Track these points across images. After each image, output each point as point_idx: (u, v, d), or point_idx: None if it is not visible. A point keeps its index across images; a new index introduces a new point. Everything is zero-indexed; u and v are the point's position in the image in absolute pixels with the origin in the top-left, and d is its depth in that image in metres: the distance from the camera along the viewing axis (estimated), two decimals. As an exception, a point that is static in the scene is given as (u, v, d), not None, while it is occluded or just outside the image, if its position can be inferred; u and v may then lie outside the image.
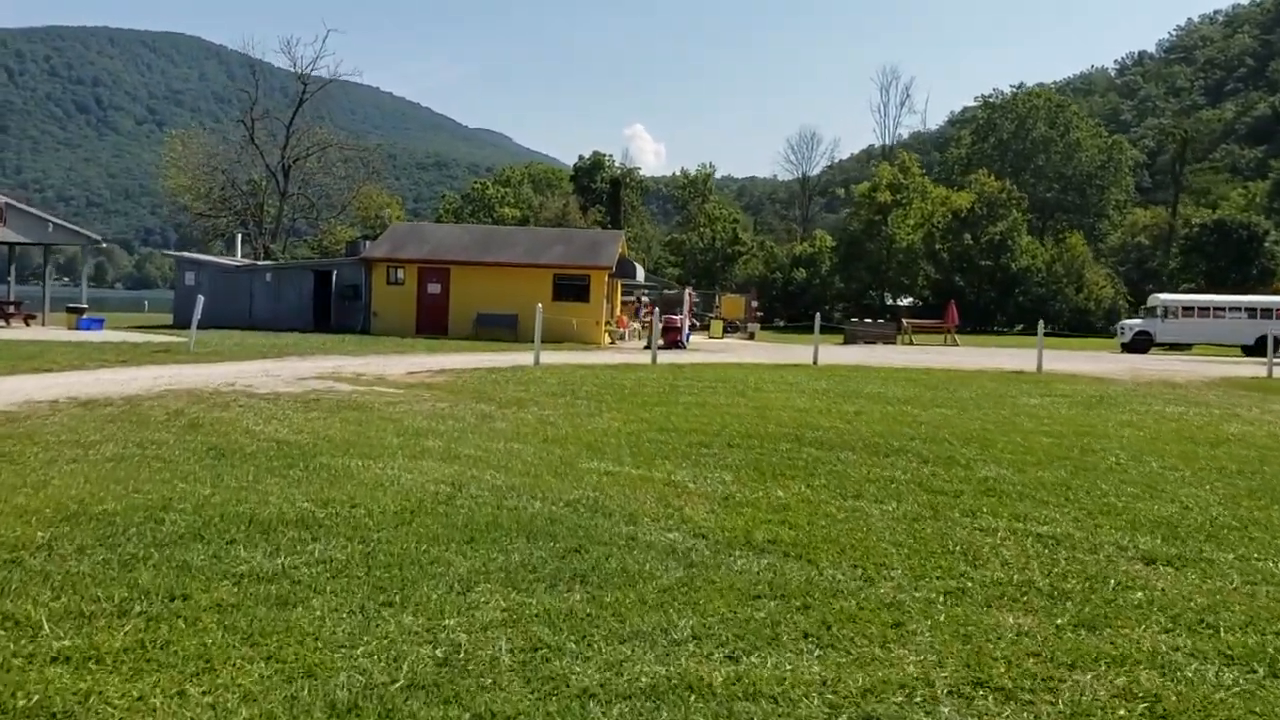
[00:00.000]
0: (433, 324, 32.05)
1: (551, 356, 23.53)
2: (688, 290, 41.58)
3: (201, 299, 23.30)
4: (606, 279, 32.25)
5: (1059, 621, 4.95)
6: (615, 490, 7.94)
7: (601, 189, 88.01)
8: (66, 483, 7.58)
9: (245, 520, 6.56)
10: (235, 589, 5.13)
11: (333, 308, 33.30)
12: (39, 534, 6.03)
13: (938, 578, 5.63)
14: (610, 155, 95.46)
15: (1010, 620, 4.94)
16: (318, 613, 4.79)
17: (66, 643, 4.31)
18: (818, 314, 26.30)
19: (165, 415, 11.51)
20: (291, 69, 55.00)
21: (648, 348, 29.98)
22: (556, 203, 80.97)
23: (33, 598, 4.87)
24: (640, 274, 37.47)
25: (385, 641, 4.44)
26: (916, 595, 5.28)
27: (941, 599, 5.25)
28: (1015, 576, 5.71)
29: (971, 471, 9.30)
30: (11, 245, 31.66)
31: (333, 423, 11.41)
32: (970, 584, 5.54)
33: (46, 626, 4.50)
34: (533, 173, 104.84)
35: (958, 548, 6.27)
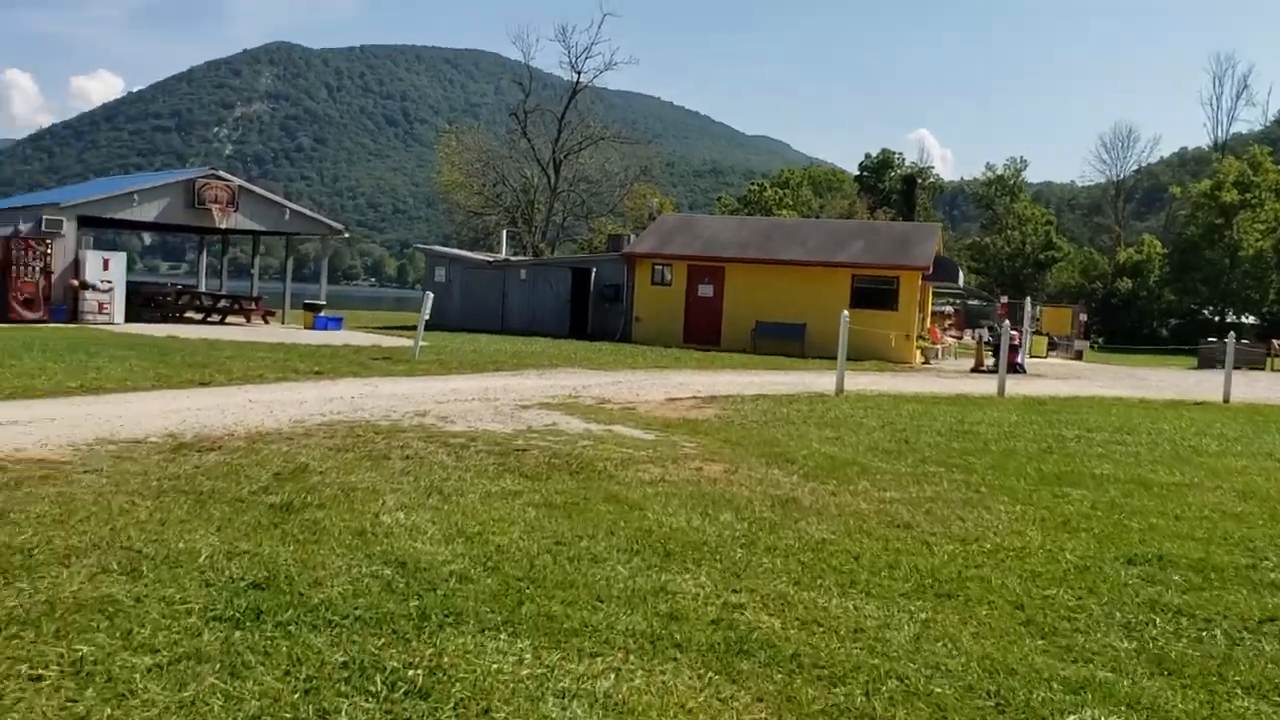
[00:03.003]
0: (703, 332, 27.14)
1: (855, 379, 17.97)
2: (1026, 301, 34.39)
3: (430, 296, 19.43)
4: (919, 282, 26.16)
5: None
6: None
7: (890, 188, 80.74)
8: None
9: None
10: None
11: (590, 310, 29.05)
12: None
13: None
14: (899, 153, 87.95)
15: None
16: None
17: None
18: (1231, 333, 19.21)
19: (268, 479, 7.00)
20: (565, 57, 52.28)
21: (978, 370, 23.82)
22: (840, 204, 74.67)
23: None
24: (961, 277, 31.00)
25: None
26: None
27: None
28: None
29: None
30: (255, 235, 29.55)
31: (524, 510, 6.51)
32: None
33: None
34: (812, 175, 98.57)
35: None
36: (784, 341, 25.87)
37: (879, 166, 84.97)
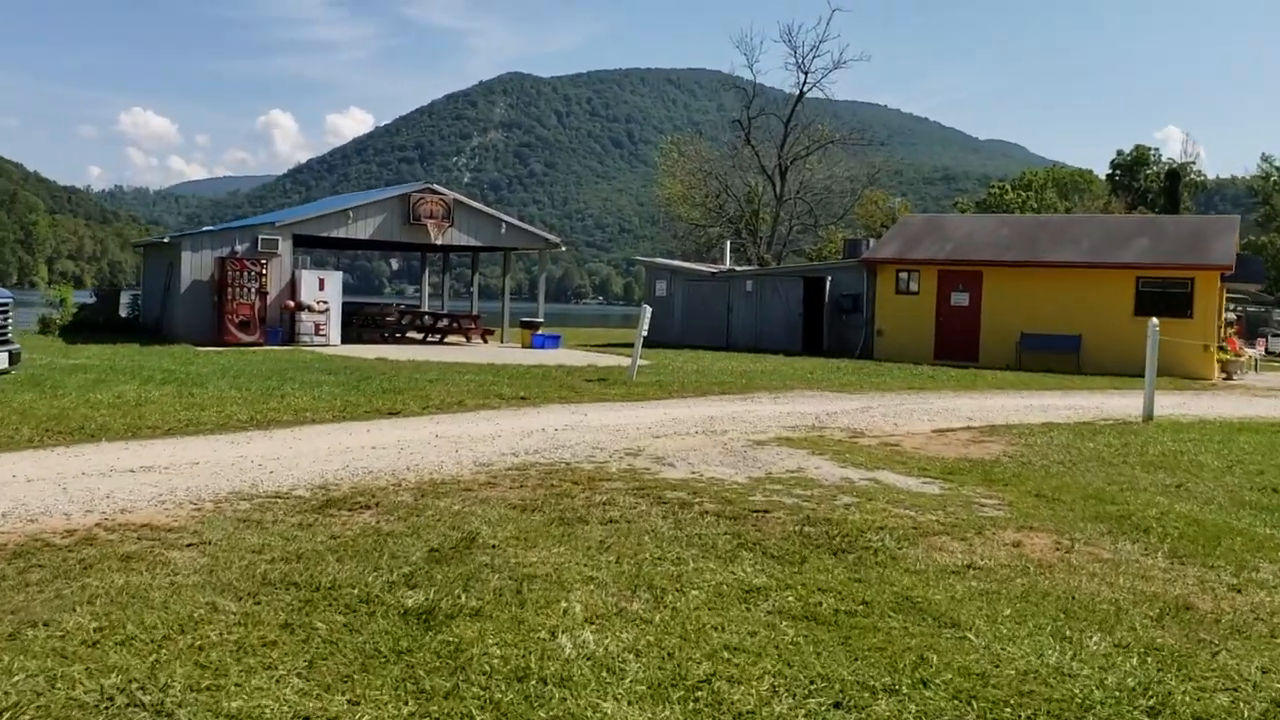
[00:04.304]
0: (957, 346, 23.99)
1: (1157, 401, 14.61)
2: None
3: (648, 310, 17.49)
4: (1218, 284, 22.11)
5: None
6: None
7: (1146, 187, 73.76)
8: None
9: None
10: None
11: (825, 324, 26.41)
12: None
13: None
14: (1155, 149, 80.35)
15: None
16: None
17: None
18: None
19: (419, 558, 5.11)
20: (791, 59, 49.76)
21: (1302, 389, 19.77)
22: (1091, 205, 68.42)
23: None
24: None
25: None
26: None
27: None
28: None
29: None
30: (474, 251, 28.63)
31: (774, 626, 4.29)
32: None
33: None
34: (1056, 176, 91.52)
35: None
36: (1055, 355, 22.40)
37: (1132, 164, 78.01)
